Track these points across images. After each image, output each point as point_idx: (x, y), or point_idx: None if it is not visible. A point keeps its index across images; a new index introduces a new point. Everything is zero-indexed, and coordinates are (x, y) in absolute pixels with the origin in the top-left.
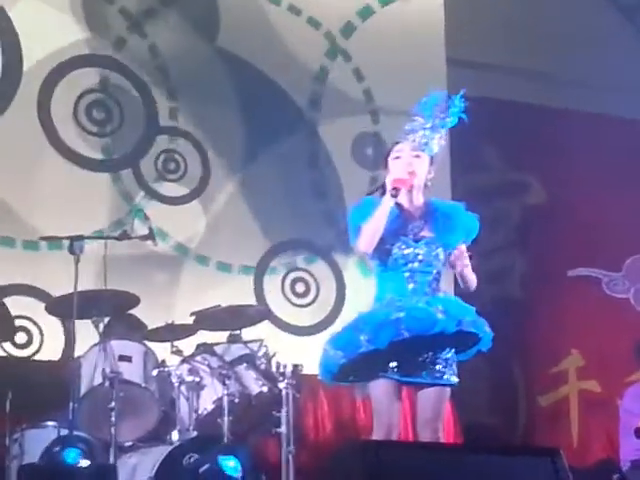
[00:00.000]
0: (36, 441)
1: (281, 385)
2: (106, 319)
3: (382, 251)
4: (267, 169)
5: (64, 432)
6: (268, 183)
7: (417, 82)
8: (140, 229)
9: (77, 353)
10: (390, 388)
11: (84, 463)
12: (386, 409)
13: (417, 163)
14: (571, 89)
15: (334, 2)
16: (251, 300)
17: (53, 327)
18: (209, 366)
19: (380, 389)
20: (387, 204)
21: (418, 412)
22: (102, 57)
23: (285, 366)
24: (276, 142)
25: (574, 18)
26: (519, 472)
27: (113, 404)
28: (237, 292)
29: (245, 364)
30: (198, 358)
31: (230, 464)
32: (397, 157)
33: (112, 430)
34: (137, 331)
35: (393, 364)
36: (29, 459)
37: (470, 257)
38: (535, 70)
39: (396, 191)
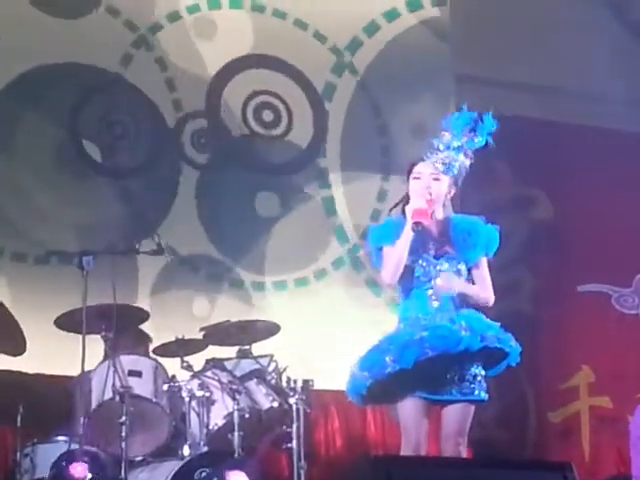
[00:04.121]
0: (47, 456)
1: (291, 400)
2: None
3: (404, 270)
4: None
5: (75, 447)
6: None
7: (424, 98)
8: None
9: (87, 368)
10: (418, 407)
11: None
12: (414, 428)
13: (436, 186)
14: (580, 104)
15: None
16: None
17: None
18: (219, 381)
19: (408, 408)
20: (408, 235)
21: (442, 426)
22: None
23: (295, 381)
24: None
25: (585, 33)
26: None
27: (124, 419)
28: None
29: (255, 379)
30: (208, 373)
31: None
32: (416, 177)
33: (123, 445)
34: (142, 344)
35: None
36: (40, 474)
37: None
38: (544, 85)
39: (417, 225)
